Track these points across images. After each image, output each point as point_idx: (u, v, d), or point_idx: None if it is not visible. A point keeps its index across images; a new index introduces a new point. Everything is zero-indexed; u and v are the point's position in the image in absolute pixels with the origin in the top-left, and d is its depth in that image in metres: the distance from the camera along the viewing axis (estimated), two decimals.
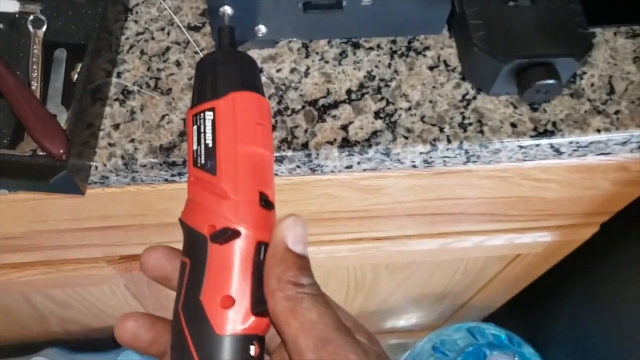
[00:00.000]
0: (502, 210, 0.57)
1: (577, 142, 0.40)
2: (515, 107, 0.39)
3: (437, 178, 0.47)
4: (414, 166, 0.41)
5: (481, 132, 0.39)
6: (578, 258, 0.70)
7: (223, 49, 0.31)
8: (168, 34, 0.40)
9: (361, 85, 0.40)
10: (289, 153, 0.38)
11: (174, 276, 0.26)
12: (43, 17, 0.38)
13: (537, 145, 0.39)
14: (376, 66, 0.40)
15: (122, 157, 0.37)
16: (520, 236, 0.63)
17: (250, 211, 0.25)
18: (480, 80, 0.37)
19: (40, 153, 0.34)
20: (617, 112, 0.40)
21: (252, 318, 0.24)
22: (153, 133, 0.38)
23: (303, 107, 0.39)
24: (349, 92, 0.40)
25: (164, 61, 0.40)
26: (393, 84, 0.40)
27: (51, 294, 0.69)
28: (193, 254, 0.25)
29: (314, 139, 0.38)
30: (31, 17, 0.37)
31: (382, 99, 0.40)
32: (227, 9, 0.35)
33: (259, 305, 0.24)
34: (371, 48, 0.41)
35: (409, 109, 0.39)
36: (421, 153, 0.39)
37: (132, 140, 0.37)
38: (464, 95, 0.40)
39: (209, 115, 0.27)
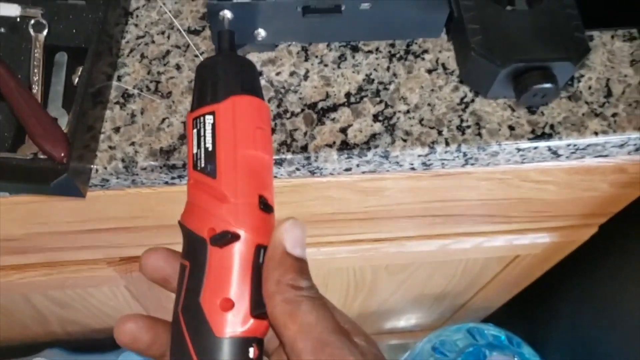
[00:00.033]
0: (501, 211, 0.57)
1: (575, 145, 0.40)
2: (513, 110, 0.40)
3: (436, 180, 0.48)
4: (413, 169, 0.41)
5: (479, 134, 0.39)
6: (577, 259, 0.71)
7: (223, 53, 0.31)
8: (168, 37, 0.41)
9: (360, 89, 0.40)
10: (289, 156, 0.38)
11: (173, 278, 0.26)
12: (44, 21, 0.38)
13: (535, 147, 0.40)
14: (375, 69, 0.41)
15: (123, 160, 0.37)
16: (519, 237, 0.64)
17: (249, 214, 0.26)
18: (478, 84, 0.38)
19: (41, 156, 0.34)
20: (614, 115, 0.40)
21: (251, 320, 0.24)
22: (153, 136, 0.38)
23: (302, 110, 0.39)
24: (348, 95, 0.40)
25: (164, 64, 0.40)
26: (392, 87, 0.40)
27: (52, 294, 0.69)
28: (193, 257, 0.26)
29: (313, 142, 0.39)
30: (32, 21, 0.38)
31: (380, 102, 0.40)
32: (227, 13, 0.35)
33: (258, 307, 0.24)
34: (370, 51, 0.41)
35: (408, 111, 0.40)
36: (420, 156, 0.39)
37: (133, 143, 0.38)
38: (462, 98, 0.40)
39: (209, 119, 0.27)
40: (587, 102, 0.40)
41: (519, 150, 0.40)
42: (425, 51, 0.41)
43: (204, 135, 0.27)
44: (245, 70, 0.29)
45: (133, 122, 0.38)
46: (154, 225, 0.50)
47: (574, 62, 0.35)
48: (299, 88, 0.40)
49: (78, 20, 0.38)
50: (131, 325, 0.26)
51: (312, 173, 0.40)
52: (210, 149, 0.26)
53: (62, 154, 0.33)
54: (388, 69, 0.41)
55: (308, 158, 0.39)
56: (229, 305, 0.24)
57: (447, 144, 0.39)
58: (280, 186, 0.45)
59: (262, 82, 0.40)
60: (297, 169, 0.40)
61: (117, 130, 0.38)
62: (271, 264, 0.24)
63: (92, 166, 0.37)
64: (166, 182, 0.39)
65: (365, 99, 0.40)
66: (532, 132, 0.39)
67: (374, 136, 0.39)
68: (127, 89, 0.39)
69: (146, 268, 0.28)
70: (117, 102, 0.39)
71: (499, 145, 0.39)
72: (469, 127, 0.39)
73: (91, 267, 0.59)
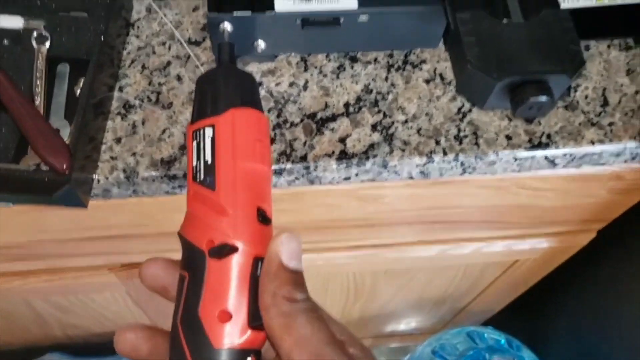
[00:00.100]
0: (499, 217, 0.57)
1: (572, 154, 0.40)
2: (510, 120, 0.40)
3: (434, 187, 0.48)
4: (411, 178, 0.41)
5: (477, 144, 0.39)
6: (576, 263, 0.71)
7: (223, 66, 0.32)
8: (169, 48, 0.41)
9: (359, 99, 0.40)
10: (288, 165, 0.39)
11: (172, 288, 0.27)
12: (46, 33, 0.38)
13: (532, 157, 0.40)
14: (373, 79, 0.41)
15: (124, 171, 0.38)
16: (518, 243, 0.64)
17: (247, 227, 0.26)
18: (475, 96, 0.38)
19: (44, 168, 0.35)
20: (610, 124, 0.40)
21: (249, 332, 0.25)
22: (154, 146, 0.38)
23: (302, 120, 0.40)
24: (346, 105, 0.40)
25: (165, 75, 0.40)
26: (390, 97, 0.41)
27: (53, 299, 0.70)
28: (191, 268, 0.26)
29: (313, 152, 0.39)
30: (35, 33, 0.38)
31: (379, 111, 0.40)
32: (227, 26, 0.36)
33: (256, 319, 0.25)
34: (368, 62, 0.41)
35: (406, 121, 0.40)
36: (418, 165, 0.40)
37: (134, 154, 0.38)
38: (459, 108, 0.40)
39: (209, 132, 0.27)
40: (583, 112, 0.41)
41: (516, 159, 0.40)
42: (423, 61, 0.41)
43: (204, 148, 0.27)
44: (245, 82, 0.30)
45: (134, 133, 0.39)
46: (155, 232, 0.50)
47: (569, 74, 0.35)
48: (298, 98, 0.40)
49: (80, 32, 0.39)
50: (131, 335, 0.27)
51: (312, 182, 0.41)
52: (209, 162, 0.27)
53: (64, 166, 0.34)
54: (386, 79, 0.41)
55: (307, 167, 0.39)
56: (226, 316, 0.24)
57: (444, 153, 0.39)
58: (280, 193, 0.45)
59: (262, 92, 0.40)
60: (297, 179, 0.40)
61: (118, 140, 0.38)
62: (267, 277, 0.24)
63: (93, 177, 0.37)
64: (167, 192, 0.40)
65: (363, 109, 0.40)
66: (529, 141, 0.40)
67: (372, 146, 0.39)
68: (128, 100, 0.39)
69: (146, 278, 0.28)
70: (118, 113, 0.39)
71: (496, 155, 0.39)
72: (466, 136, 0.40)
73: (92, 274, 0.60)
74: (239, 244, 0.25)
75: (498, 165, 0.41)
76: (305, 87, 0.41)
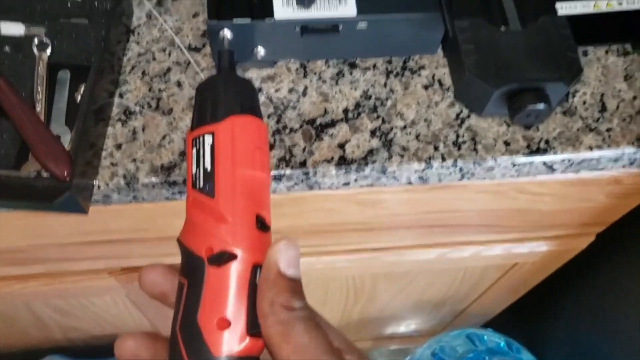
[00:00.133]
0: (498, 221, 0.58)
1: (570, 160, 0.41)
2: (508, 126, 0.40)
3: (433, 192, 0.48)
4: (410, 183, 0.42)
5: (475, 150, 0.40)
6: (575, 265, 0.71)
7: (223, 73, 0.32)
8: (169, 54, 0.41)
9: (357, 105, 0.41)
10: (287, 171, 0.39)
11: (171, 294, 0.27)
12: (47, 40, 0.38)
13: (531, 162, 0.40)
14: (372, 85, 0.41)
15: (124, 177, 0.38)
16: (517, 246, 0.64)
17: (247, 234, 0.26)
18: (473, 103, 0.38)
19: (44, 174, 0.35)
20: (609, 130, 0.41)
21: (248, 339, 0.25)
22: (154, 153, 0.38)
23: (301, 126, 0.40)
24: (345, 111, 0.40)
25: (165, 81, 0.40)
26: (389, 103, 0.41)
27: (53, 303, 0.70)
28: (190, 275, 0.26)
29: (312, 157, 0.39)
30: (36, 41, 0.38)
31: (378, 117, 0.40)
32: (227, 33, 0.36)
33: (255, 327, 0.25)
34: (367, 68, 0.42)
35: (404, 127, 0.40)
36: (416, 171, 0.40)
37: (134, 160, 0.38)
38: (458, 114, 0.40)
39: (208, 139, 0.28)
40: (581, 117, 0.41)
41: (514, 165, 0.40)
42: (422, 67, 0.42)
43: (203, 156, 0.27)
44: (245, 90, 0.30)
45: (134, 139, 0.39)
46: (155, 237, 0.51)
47: (567, 82, 0.35)
48: (297, 104, 0.40)
49: (81, 39, 0.39)
50: (131, 343, 0.27)
51: (311, 188, 0.41)
52: (209, 169, 0.27)
53: (65, 173, 0.34)
54: (385, 85, 0.41)
55: (307, 173, 0.39)
56: (225, 324, 0.24)
57: (443, 159, 0.39)
58: (280, 198, 0.45)
59: (262, 98, 0.40)
60: (296, 184, 0.40)
61: (118, 147, 0.39)
62: (265, 285, 0.24)
63: (94, 183, 0.37)
64: (167, 198, 0.40)
65: (362, 115, 0.40)
66: (528, 147, 0.40)
67: (371, 151, 0.39)
68: (128, 106, 0.40)
69: (145, 284, 0.28)
70: (118, 119, 0.39)
71: (494, 161, 0.40)
72: (464, 142, 0.40)
73: (92, 277, 0.60)
74: (238, 252, 0.25)
75: (496, 171, 0.41)
76: (304, 93, 0.41)
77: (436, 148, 0.40)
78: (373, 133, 0.40)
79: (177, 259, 0.28)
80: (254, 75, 0.41)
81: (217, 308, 0.25)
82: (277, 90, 0.41)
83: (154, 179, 0.38)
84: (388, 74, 0.41)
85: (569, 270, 0.73)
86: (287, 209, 0.49)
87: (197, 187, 0.27)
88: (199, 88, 0.30)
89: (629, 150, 0.41)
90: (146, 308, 0.71)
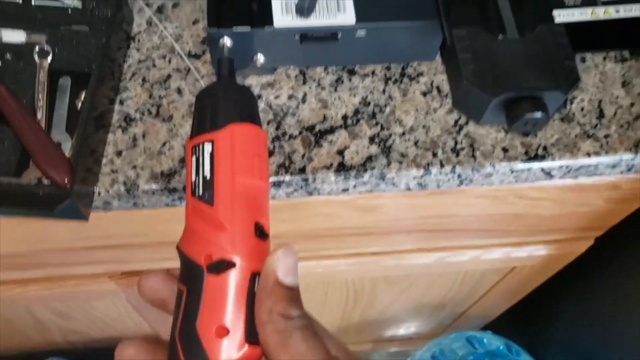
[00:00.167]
0: (497, 226, 0.58)
1: (568, 166, 0.41)
2: (506, 132, 0.40)
3: (432, 197, 0.49)
4: (409, 189, 0.42)
5: (473, 156, 0.40)
6: (575, 269, 0.71)
7: (222, 81, 0.32)
8: (169, 61, 0.42)
9: (356, 111, 0.41)
10: (287, 178, 0.39)
11: (170, 301, 0.27)
12: (48, 48, 0.39)
13: (529, 169, 0.41)
14: (371, 92, 0.41)
15: (125, 184, 0.38)
16: (516, 250, 0.64)
17: (245, 242, 0.26)
18: (470, 111, 0.39)
19: (45, 181, 0.35)
20: (606, 136, 0.41)
21: (246, 347, 0.25)
22: (154, 159, 0.39)
23: (300, 132, 0.40)
24: (344, 117, 0.41)
25: (166, 88, 0.41)
26: (387, 109, 0.41)
27: (53, 306, 0.70)
28: (189, 282, 0.26)
29: (311, 164, 0.39)
30: (37, 48, 0.38)
31: (376, 124, 0.41)
32: (227, 41, 0.36)
33: (253, 334, 0.25)
34: (366, 75, 0.42)
35: (403, 134, 0.40)
36: (415, 177, 0.40)
37: (134, 167, 0.38)
38: (456, 121, 0.41)
39: (208, 148, 0.28)
40: (579, 124, 0.41)
41: (512, 171, 0.41)
42: (420, 74, 0.42)
43: (203, 164, 0.28)
44: (244, 98, 0.30)
45: (135, 146, 0.39)
46: (155, 242, 0.51)
47: (564, 91, 0.35)
48: (297, 111, 0.41)
49: (81, 46, 0.39)
50: (131, 350, 0.27)
51: (310, 194, 0.41)
52: (208, 177, 0.27)
53: (65, 180, 0.34)
54: (384, 91, 0.41)
55: (306, 180, 0.39)
56: (224, 332, 0.25)
57: (441, 165, 0.40)
58: (279, 204, 0.46)
59: (261, 105, 0.41)
60: (295, 190, 0.40)
61: (119, 153, 0.39)
62: (263, 293, 0.24)
63: (94, 190, 0.38)
64: (167, 205, 0.40)
65: (361, 122, 0.41)
66: (526, 153, 0.40)
67: (370, 158, 0.40)
68: (129, 113, 0.40)
69: (144, 291, 0.28)
70: (119, 126, 0.40)
71: (492, 167, 0.40)
72: (463, 149, 0.40)
73: (93, 281, 0.60)
74: (237, 260, 0.26)
75: (495, 177, 0.41)
76: (303, 100, 0.41)
77: (435, 154, 0.40)
78: (372, 139, 0.40)
79: (177, 264, 0.28)
80: (253, 81, 0.41)
81: (215, 316, 0.25)
82: (276, 97, 0.41)
83: (154, 186, 0.38)
84: (387, 80, 0.42)
85: (568, 273, 0.73)
86: (287, 214, 0.49)
87: (197, 194, 0.27)
88: (198, 95, 0.30)
89: (626, 156, 0.41)
90: (146, 312, 0.72)
